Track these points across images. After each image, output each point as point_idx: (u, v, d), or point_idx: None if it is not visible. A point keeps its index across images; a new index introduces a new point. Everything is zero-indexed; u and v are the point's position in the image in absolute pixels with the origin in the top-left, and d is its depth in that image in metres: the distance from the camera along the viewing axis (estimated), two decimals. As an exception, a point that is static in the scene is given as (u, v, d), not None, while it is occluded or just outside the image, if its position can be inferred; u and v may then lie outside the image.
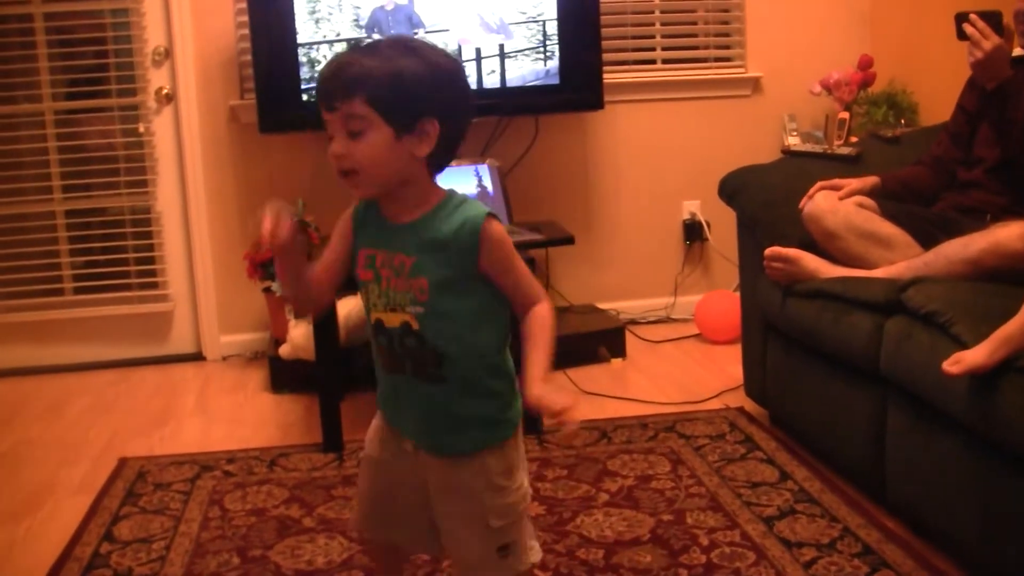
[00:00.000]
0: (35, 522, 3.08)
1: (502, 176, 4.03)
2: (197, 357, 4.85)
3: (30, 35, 4.62)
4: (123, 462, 3.46)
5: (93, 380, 4.54)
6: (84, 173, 4.72)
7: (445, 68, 1.78)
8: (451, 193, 1.84)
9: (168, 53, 4.67)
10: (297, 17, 4.28)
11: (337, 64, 1.76)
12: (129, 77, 4.70)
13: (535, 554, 1.97)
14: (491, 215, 1.79)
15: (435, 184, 1.85)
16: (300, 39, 4.30)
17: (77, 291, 4.78)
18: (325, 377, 3.53)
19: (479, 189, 3.96)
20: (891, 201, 3.26)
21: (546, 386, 1.75)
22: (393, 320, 1.83)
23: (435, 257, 1.78)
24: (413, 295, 1.80)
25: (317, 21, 4.31)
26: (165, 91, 4.68)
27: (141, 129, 4.71)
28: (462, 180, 3.95)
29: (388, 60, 1.73)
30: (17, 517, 3.11)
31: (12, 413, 4.15)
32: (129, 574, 2.67)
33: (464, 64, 1.93)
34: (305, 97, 4.32)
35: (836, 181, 3.28)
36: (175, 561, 2.72)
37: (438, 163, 1.82)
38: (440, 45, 1.83)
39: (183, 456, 3.50)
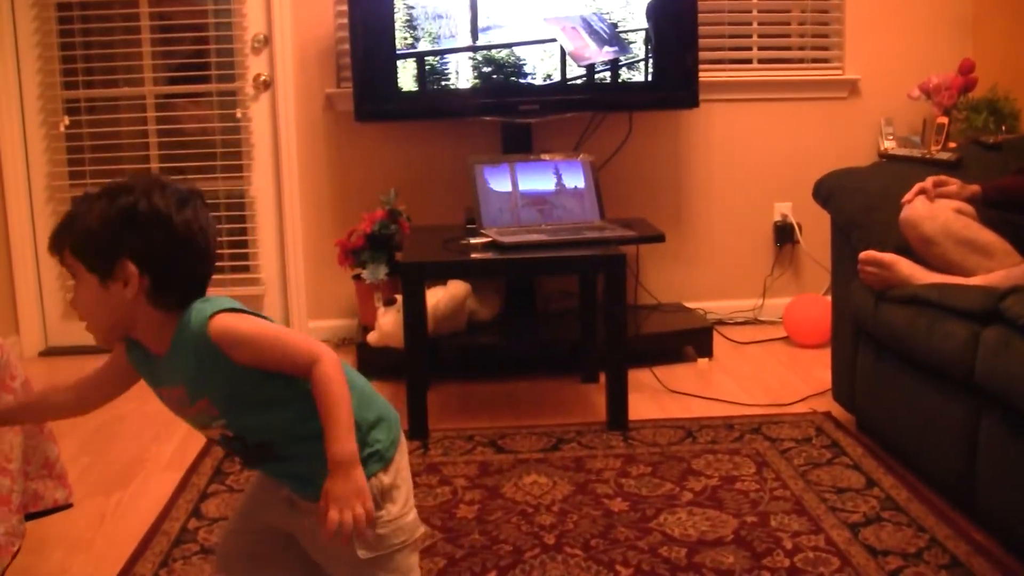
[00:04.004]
0: (126, 495, 3.15)
1: (595, 171, 4.02)
2: (285, 341, 4.90)
3: (134, 20, 4.71)
4: (212, 441, 3.51)
5: (184, 360, 4.62)
6: (181, 156, 4.80)
7: (139, 210, 1.71)
8: (186, 311, 1.75)
9: (267, 40, 4.73)
10: (395, 6, 4.32)
11: (62, 216, 1.77)
12: (228, 63, 4.79)
13: None
14: (214, 313, 1.72)
15: (175, 310, 1.75)
16: (398, 28, 4.33)
17: (171, 272, 4.86)
18: (412, 365, 3.55)
19: (557, 187, 3.96)
20: (991, 210, 3.20)
21: (336, 484, 1.71)
22: (212, 434, 1.84)
23: (197, 378, 1.75)
24: (207, 414, 1.79)
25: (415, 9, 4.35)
26: (263, 78, 4.75)
27: (238, 115, 4.78)
28: (542, 176, 3.97)
29: (88, 209, 1.72)
30: (109, 490, 3.18)
31: (105, 389, 4.23)
32: (215, 550, 2.71)
33: (196, 201, 1.75)
34: (402, 87, 4.36)
35: (942, 177, 3.22)
36: (261, 540, 2.76)
37: (166, 301, 1.75)
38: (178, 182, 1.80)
39: (270, 438, 3.53)
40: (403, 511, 1.88)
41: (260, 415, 1.79)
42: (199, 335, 1.71)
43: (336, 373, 1.75)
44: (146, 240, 1.72)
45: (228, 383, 1.74)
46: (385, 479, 1.85)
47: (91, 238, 1.72)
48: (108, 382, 1.96)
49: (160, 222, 1.72)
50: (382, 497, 1.84)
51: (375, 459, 1.84)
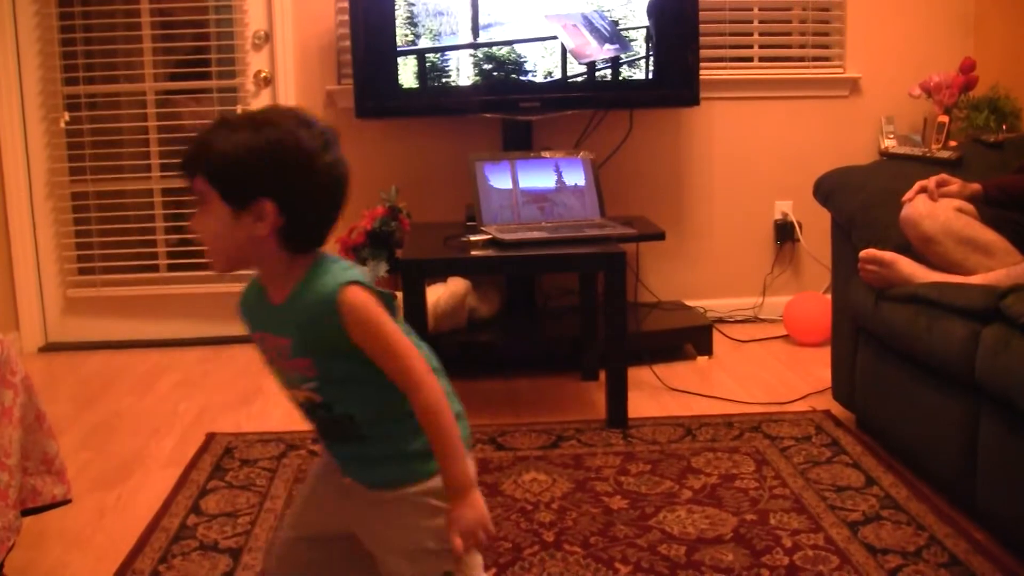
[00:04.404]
0: (126, 491, 3.15)
1: (595, 169, 4.02)
2: (286, 338, 4.90)
3: (135, 16, 4.71)
4: (211, 437, 3.52)
5: (184, 356, 4.62)
6: (182, 153, 4.78)
7: (286, 147, 1.67)
8: (316, 263, 1.75)
9: (268, 37, 4.73)
10: (396, 2, 4.32)
11: (192, 139, 1.71)
12: (229, 60, 4.78)
13: None
14: (352, 283, 1.69)
15: (303, 257, 1.74)
16: (399, 24, 4.33)
17: (171, 268, 4.87)
18: (412, 362, 3.54)
19: (557, 185, 3.96)
20: (992, 208, 3.19)
21: (462, 512, 1.74)
22: (299, 396, 1.81)
23: (307, 336, 1.71)
24: (302, 374, 1.75)
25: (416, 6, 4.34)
26: (263, 74, 4.75)
27: (239, 111, 4.77)
28: (542, 173, 3.97)
29: (229, 135, 1.67)
30: (109, 486, 3.18)
31: (106, 385, 4.24)
32: (215, 546, 2.71)
33: (337, 145, 1.73)
34: (403, 84, 4.35)
35: (945, 176, 3.21)
36: (260, 536, 2.76)
37: (296, 243, 1.72)
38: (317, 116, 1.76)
39: (270, 434, 3.54)
40: None
41: (355, 387, 1.75)
42: (328, 294, 1.68)
43: (441, 403, 1.72)
44: (290, 179, 1.67)
45: (334, 350, 1.70)
46: None
47: (233, 168, 1.66)
48: None
49: (305, 163, 1.68)
50: None
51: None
